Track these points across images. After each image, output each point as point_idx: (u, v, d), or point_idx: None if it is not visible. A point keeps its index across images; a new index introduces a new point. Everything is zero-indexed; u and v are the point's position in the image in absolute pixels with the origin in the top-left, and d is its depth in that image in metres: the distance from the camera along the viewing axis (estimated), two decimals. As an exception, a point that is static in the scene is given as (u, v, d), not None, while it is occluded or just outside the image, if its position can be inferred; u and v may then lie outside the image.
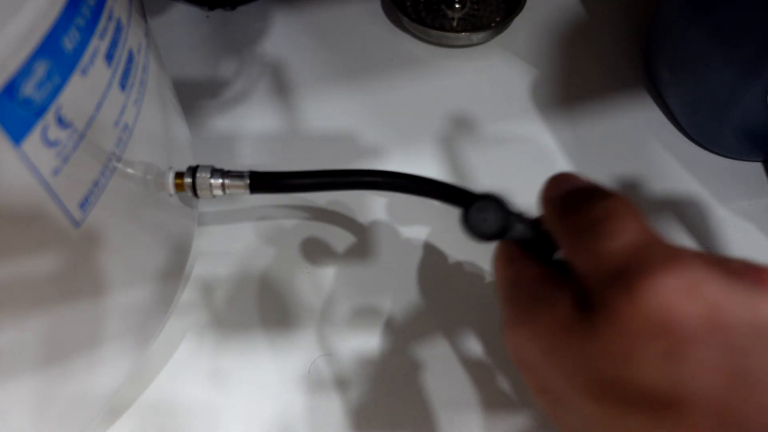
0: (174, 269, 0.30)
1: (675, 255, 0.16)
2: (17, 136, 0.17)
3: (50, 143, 0.18)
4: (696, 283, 0.15)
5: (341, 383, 0.31)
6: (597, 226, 0.18)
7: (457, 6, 0.47)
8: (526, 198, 0.38)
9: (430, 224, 0.36)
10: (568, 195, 0.19)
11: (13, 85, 0.16)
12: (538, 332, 0.18)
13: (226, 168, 0.28)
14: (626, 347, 0.15)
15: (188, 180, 0.28)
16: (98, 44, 0.20)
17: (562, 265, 0.21)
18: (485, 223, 0.21)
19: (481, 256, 0.35)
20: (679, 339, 0.15)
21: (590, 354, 0.16)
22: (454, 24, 0.47)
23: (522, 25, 0.48)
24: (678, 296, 0.15)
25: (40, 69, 0.17)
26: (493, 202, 0.21)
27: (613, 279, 0.16)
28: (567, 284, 0.18)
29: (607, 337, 0.16)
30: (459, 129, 0.41)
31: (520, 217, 0.21)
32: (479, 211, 0.21)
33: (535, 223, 0.22)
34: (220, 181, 0.27)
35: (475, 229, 0.21)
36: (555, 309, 0.18)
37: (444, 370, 0.31)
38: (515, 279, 0.20)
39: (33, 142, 0.17)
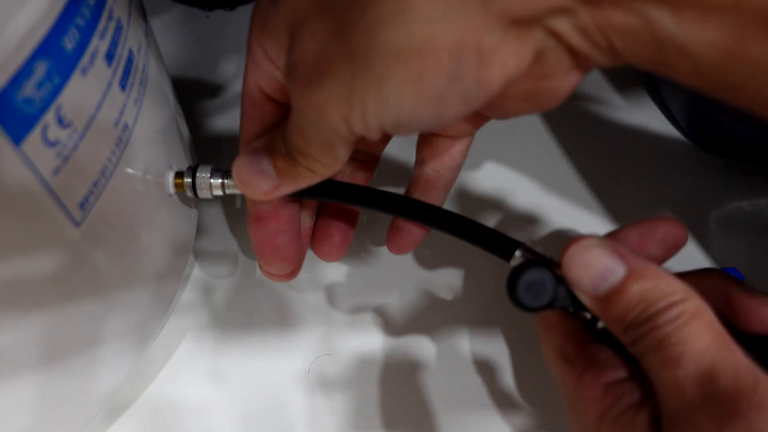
0: (174, 269, 0.30)
1: (738, 396, 0.16)
2: (17, 136, 0.17)
3: (50, 143, 0.18)
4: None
5: (341, 383, 0.31)
6: (660, 349, 0.17)
7: (457, 6, 0.47)
8: (525, 198, 0.38)
9: (430, 224, 0.36)
10: (617, 300, 0.18)
11: (13, 85, 0.16)
12: None
13: (226, 168, 0.28)
14: None
15: (188, 180, 0.28)
16: (98, 44, 0.20)
17: (607, 336, 0.20)
18: (534, 295, 0.20)
19: (482, 256, 0.35)
20: None
21: None
22: (454, 24, 0.47)
23: (522, 25, 0.47)
24: None
25: (40, 69, 0.17)
26: (542, 270, 0.20)
27: (683, 421, 0.16)
28: (641, 404, 0.18)
29: None
30: (459, 129, 0.41)
31: (563, 281, 0.20)
32: (527, 282, 0.20)
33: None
34: (220, 180, 0.27)
35: (523, 303, 0.20)
36: None
37: (444, 370, 0.31)
38: (580, 391, 0.20)
39: (33, 142, 0.17)
